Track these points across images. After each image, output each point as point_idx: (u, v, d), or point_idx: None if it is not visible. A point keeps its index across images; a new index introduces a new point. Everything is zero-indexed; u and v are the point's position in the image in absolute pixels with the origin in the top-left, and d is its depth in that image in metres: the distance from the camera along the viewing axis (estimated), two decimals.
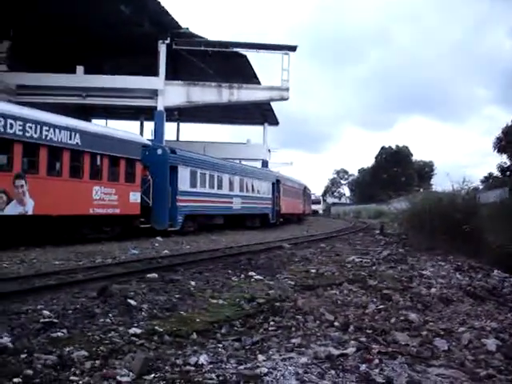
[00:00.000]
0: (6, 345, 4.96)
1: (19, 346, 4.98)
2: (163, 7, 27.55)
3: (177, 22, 30.03)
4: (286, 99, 32.74)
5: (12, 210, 15.58)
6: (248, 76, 36.12)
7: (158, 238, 20.53)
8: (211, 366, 4.74)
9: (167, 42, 30.72)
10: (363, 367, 4.82)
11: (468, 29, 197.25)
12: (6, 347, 4.90)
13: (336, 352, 5.24)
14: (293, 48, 31.93)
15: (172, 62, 32.93)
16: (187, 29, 31.16)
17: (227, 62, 34.60)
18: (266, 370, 4.60)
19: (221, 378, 4.41)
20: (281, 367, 4.73)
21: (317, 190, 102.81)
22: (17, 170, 15.87)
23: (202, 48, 31.73)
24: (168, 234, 22.47)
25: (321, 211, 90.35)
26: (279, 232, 30.43)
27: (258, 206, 35.08)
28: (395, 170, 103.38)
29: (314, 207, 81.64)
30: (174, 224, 23.70)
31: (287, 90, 32.09)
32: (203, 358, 4.86)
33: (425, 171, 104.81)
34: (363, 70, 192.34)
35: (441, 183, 24.58)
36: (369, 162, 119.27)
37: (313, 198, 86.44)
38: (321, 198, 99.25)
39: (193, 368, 4.64)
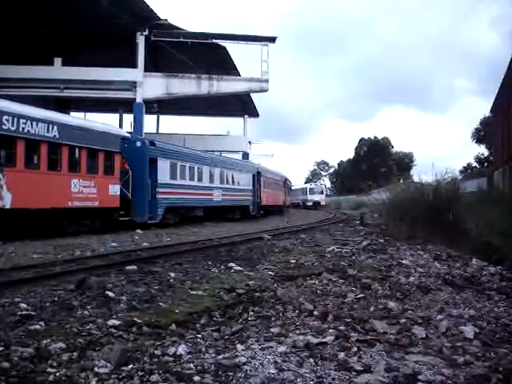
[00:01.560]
0: None
1: None
2: None
3: (155, 14, 29.92)
4: (266, 91, 32.80)
5: None
6: (228, 68, 36.08)
7: (138, 231, 20.46)
8: (190, 356, 4.73)
9: (146, 33, 30.70)
10: (341, 355, 4.83)
11: (449, 20, 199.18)
12: None
13: (315, 341, 5.25)
14: (272, 39, 31.98)
15: (151, 53, 32.87)
16: (166, 20, 31.05)
17: (207, 54, 34.53)
18: (245, 360, 4.60)
19: (199, 368, 4.40)
20: (259, 356, 4.72)
21: (298, 182, 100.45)
22: None
23: (181, 39, 31.60)
24: (148, 227, 22.41)
25: (323, 203, 79.48)
26: (260, 224, 30.46)
27: (238, 197, 35.09)
28: (375, 162, 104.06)
29: (314, 198, 78.17)
30: (154, 217, 23.62)
31: (267, 81, 32.14)
32: (182, 349, 4.85)
33: (404, 162, 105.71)
34: (344, 61, 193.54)
35: (420, 174, 24.63)
36: (350, 153, 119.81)
37: (312, 186, 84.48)
38: (323, 186, 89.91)
39: (171, 358, 4.63)
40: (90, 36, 30.75)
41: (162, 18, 30.74)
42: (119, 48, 31.81)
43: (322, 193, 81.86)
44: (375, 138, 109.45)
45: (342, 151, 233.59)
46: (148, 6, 28.55)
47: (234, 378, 4.21)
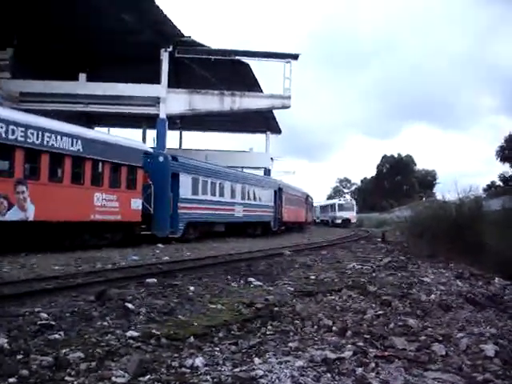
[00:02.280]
0: (2, 345, 4.97)
1: (16, 347, 4.99)
2: (165, 16, 27.81)
3: (179, 31, 30.28)
4: (288, 107, 32.93)
5: (13, 215, 15.64)
6: (250, 84, 36.35)
7: (159, 245, 20.56)
8: (207, 368, 4.73)
9: (170, 50, 30.97)
10: (359, 371, 4.80)
11: (474, 38, 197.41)
12: (2, 348, 4.92)
13: (333, 356, 5.22)
14: (295, 56, 32.17)
15: (175, 69, 33.21)
16: (190, 37, 31.39)
17: (230, 71, 34.83)
18: (262, 373, 4.59)
19: (216, 381, 4.40)
20: (276, 370, 4.71)
21: (320, 199, 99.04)
22: (18, 176, 15.95)
23: (205, 56, 31.92)
24: (169, 241, 22.51)
25: (354, 220, 71.94)
26: (280, 240, 30.42)
27: (259, 213, 35.11)
28: (397, 179, 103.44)
29: (344, 215, 70.93)
30: (175, 231, 23.73)
31: (289, 98, 32.28)
32: (199, 361, 4.86)
33: (427, 180, 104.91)
34: (368, 78, 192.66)
35: (443, 192, 24.40)
36: (372, 170, 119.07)
37: (342, 202, 76.62)
38: (354, 202, 77.78)
39: (188, 370, 4.64)
40: (115, 52, 31.25)
41: (185, 34, 31.12)
42: (143, 64, 32.22)
43: (352, 209, 73.68)
44: (398, 155, 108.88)
45: (364, 168, 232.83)
46: (172, 23, 28.94)
47: None
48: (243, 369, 4.74)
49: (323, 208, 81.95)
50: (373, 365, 5.00)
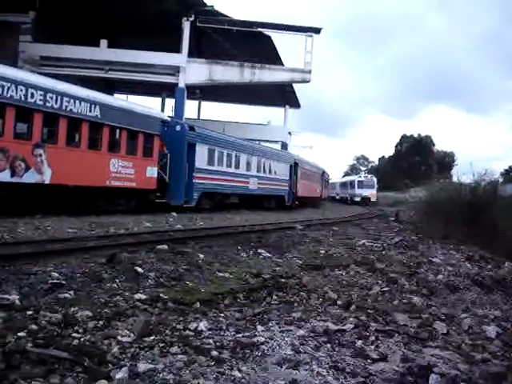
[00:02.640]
0: (13, 301, 5.14)
1: (26, 304, 5.16)
2: None
3: (202, 0, 29.98)
4: (308, 81, 32.72)
5: (30, 177, 15.89)
6: (271, 57, 35.99)
7: (173, 214, 20.72)
8: (210, 332, 4.87)
9: (191, 19, 30.78)
10: (359, 343, 4.90)
11: (501, 19, 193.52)
12: (13, 304, 5.09)
13: (334, 327, 5.33)
14: (317, 30, 31.82)
15: (195, 39, 32.98)
16: (212, 7, 31.13)
17: (251, 42, 34.46)
18: (263, 340, 4.71)
19: (218, 344, 4.53)
20: (278, 338, 4.83)
21: (336, 175, 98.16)
22: (36, 140, 16.14)
23: (226, 27, 31.67)
24: (184, 210, 22.67)
25: (374, 198, 67.57)
26: (294, 214, 30.52)
27: (274, 187, 35.14)
28: (416, 160, 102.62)
29: (363, 193, 67.33)
30: (189, 200, 23.90)
31: (309, 72, 32.03)
32: (203, 325, 4.99)
33: (445, 161, 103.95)
34: (390, 56, 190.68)
35: (460, 174, 24.19)
36: (390, 149, 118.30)
37: (362, 178, 72.01)
38: (374, 179, 71.94)
39: (192, 333, 4.77)
40: (137, 20, 31.03)
41: (208, 4, 30.88)
42: (164, 32, 31.96)
43: (372, 187, 69.07)
44: (418, 135, 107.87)
45: (383, 147, 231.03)
46: None
47: (251, 355, 4.34)
48: (245, 335, 4.87)
49: (342, 185, 79.15)
50: (372, 338, 5.10)
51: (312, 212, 36.73)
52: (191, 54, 31.98)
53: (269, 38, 34.30)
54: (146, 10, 29.51)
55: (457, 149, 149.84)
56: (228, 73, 32.12)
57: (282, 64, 36.40)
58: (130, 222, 16.13)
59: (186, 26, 30.97)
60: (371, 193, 67.67)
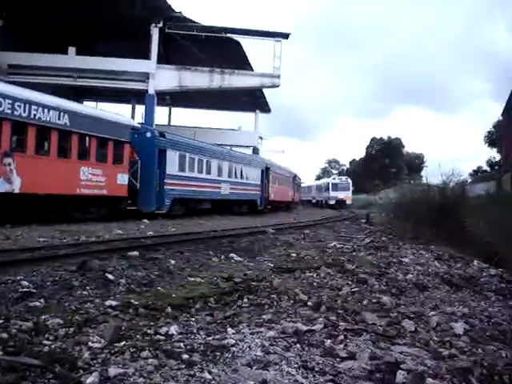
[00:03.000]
0: None
1: None
2: None
3: (170, 6, 30.07)
4: (277, 86, 32.94)
5: None
6: (241, 62, 36.16)
7: (145, 221, 20.65)
8: (180, 336, 4.89)
9: (160, 25, 30.76)
10: (328, 342, 4.96)
11: (468, 22, 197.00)
12: None
13: (304, 328, 5.39)
14: (285, 35, 32.05)
15: (164, 45, 32.92)
16: (180, 13, 31.16)
17: (220, 48, 34.56)
18: (234, 342, 4.75)
19: (188, 347, 4.56)
20: (248, 339, 4.87)
21: (308, 179, 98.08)
22: (5, 148, 15.98)
23: (196, 33, 31.71)
24: (155, 217, 22.62)
25: (349, 201, 66.63)
26: (266, 218, 30.61)
27: (246, 192, 35.27)
28: (386, 162, 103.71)
29: (338, 195, 65.35)
30: (161, 207, 23.87)
31: (278, 77, 32.24)
32: (173, 329, 5.02)
33: (415, 163, 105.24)
34: (359, 59, 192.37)
35: (430, 176, 24.57)
36: (361, 152, 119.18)
37: (336, 181, 69.81)
38: (349, 181, 69.93)
39: (163, 337, 4.79)
40: (105, 26, 30.88)
41: (176, 10, 30.89)
42: (133, 39, 31.91)
43: (347, 189, 67.22)
44: (388, 137, 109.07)
45: (354, 150, 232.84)
46: None
47: (222, 357, 4.37)
48: (216, 337, 4.90)
49: (315, 188, 78.13)
50: (341, 337, 5.17)
51: (284, 216, 36.88)
52: (160, 61, 31.95)
53: (238, 43, 34.43)
54: (115, 16, 29.36)
55: (426, 150, 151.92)
56: (197, 79, 32.18)
57: (252, 69, 36.58)
58: (101, 229, 16.05)
59: (155, 33, 30.94)
60: (346, 195, 66.11)
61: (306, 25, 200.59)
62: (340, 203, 63.52)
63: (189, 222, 22.18)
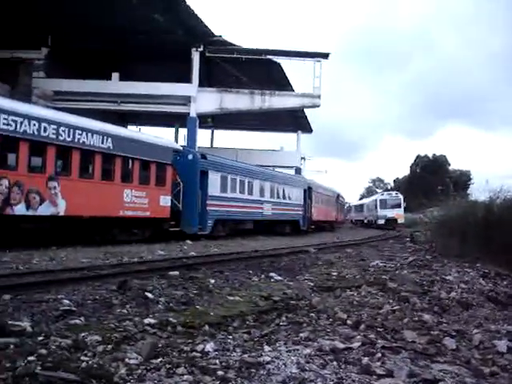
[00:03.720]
0: (25, 328, 5.25)
1: (37, 330, 5.26)
2: (196, 15, 28.15)
3: (210, 30, 30.60)
4: (318, 106, 32.97)
5: (44, 210, 16.15)
6: (282, 83, 36.46)
7: (188, 242, 20.85)
8: (216, 353, 4.92)
9: (201, 49, 31.30)
10: (365, 360, 4.90)
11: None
12: (24, 330, 5.19)
13: (341, 346, 5.35)
14: (325, 55, 32.15)
15: (206, 69, 33.43)
16: (220, 36, 31.65)
17: (260, 69, 34.98)
18: (269, 359, 4.75)
19: (224, 364, 4.58)
20: (284, 357, 4.87)
21: (352, 199, 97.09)
22: (50, 172, 16.42)
23: (235, 55, 32.12)
24: (198, 238, 22.79)
25: (401, 220, 56.83)
26: (309, 238, 30.50)
27: (288, 212, 35.22)
28: (431, 179, 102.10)
29: (387, 213, 57.22)
30: (203, 228, 24.03)
31: (319, 97, 32.28)
32: (210, 346, 5.05)
33: (462, 180, 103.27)
34: (404, 77, 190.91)
35: (478, 193, 24.03)
36: (406, 170, 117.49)
37: (385, 196, 61.93)
38: (400, 196, 60.57)
39: (199, 354, 4.83)
40: (147, 52, 31.66)
41: (216, 34, 31.42)
42: (174, 63, 32.56)
43: (398, 206, 58.06)
44: (433, 155, 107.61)
45: (398, 168, 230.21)
46: (203, 23, 29.24)
47: (257, 374, 4.38)
48: (252, 355, 4.91)
49: (362, 207, 72.92)
50: (379, 355, 5.10)
51: (328, 235, 36.70)
52: (202, 83, 32.44)
53: (278, 64, 34.75)
54: (156, 42, 30.06)
55: (473, 167, 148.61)
56: (238, 100, 32.49)
57: (293, 89, 36.76)
58: (144, 250, 16.26)
59: (196, 56, 31.45)
60: (397, 213, 56.99)
61: (348, 43, 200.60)
62: (390, 222, 55.64)
63: (231, 243, 22.29)
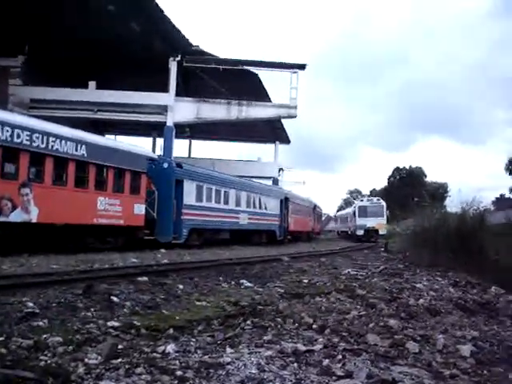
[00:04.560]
0: None
1: None
2: (174, 25, 28.19)
3: (188, 40, 30.62)
4: (294, 117, 33.15)
5: (16, 217, 16.00)
6: (259, 94, 36.54)
7: (162, 250, 20.74)
8: (177, 354, 4.95)
9: (178, 59, 31.29)
10: (326, 362, 4.95)
11: (487, 50, 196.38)
12: None
13: (303, 348, 5.39)
14: (302, 66, 32.35)
15: (183, 78, 33.45)
16: (198, 46, 31.73)
17: (238, 80, 35.01)
18: (229, 360, 4.78)
19: (183, 365, 4.61)
20: (245, 358, 4.90)
21: (330, 210, 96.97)
22: (22, 179, 16.26)
23: (213, 66, 32.21)
24: (173, 247, 22.65)
25: (382, 231, 49.16)
26: (285, 248, 30.50)
27: (265, 222, 35.23)
28: (408, 191, 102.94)
29: (367, 223, 49.63)
30: (178, 237, 23.93)
31: (295, 107, 32.45)
32: (170, 348, 5.08)
33: (438, 193, 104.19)
34: (381, 90, 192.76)
35: (453, 205, 24.29)
36: (383, 182, 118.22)
37: (365, 203, 53.52)
38: (383, 203, 52.09)
39: (159, 355, 4.86)
40: (124, 61, 31.54)
41: (194, 44, 31.48)
42: (152, 72, 32.55)
43: (380, 214, 50.13)
44: (409, 167, 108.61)
45: (377, 181, 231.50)
46: (180, 33, 29.26)
47: (215, 374, 4.41)
48: (213, 356, 4.94)
49: (341, 217, 69.02)
50: (340, 357, 5.16)
51: (304, 246, 36.77)
52: (179, 93, 32.44)
53: (255, 75, 34.89)
54: (134, 51, 30.03)
55: (450, 180, 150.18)
56: (215, 110, 32.53)
57: (270, 100, 36.89)
58: (117, 258, 16.15)
59: (173, 66, 31.45)
60: (378, 223, 49.43)
61: (325, 56, 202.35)
62: (370, 233, 48.98)
63: (206, 252, 22.21)
